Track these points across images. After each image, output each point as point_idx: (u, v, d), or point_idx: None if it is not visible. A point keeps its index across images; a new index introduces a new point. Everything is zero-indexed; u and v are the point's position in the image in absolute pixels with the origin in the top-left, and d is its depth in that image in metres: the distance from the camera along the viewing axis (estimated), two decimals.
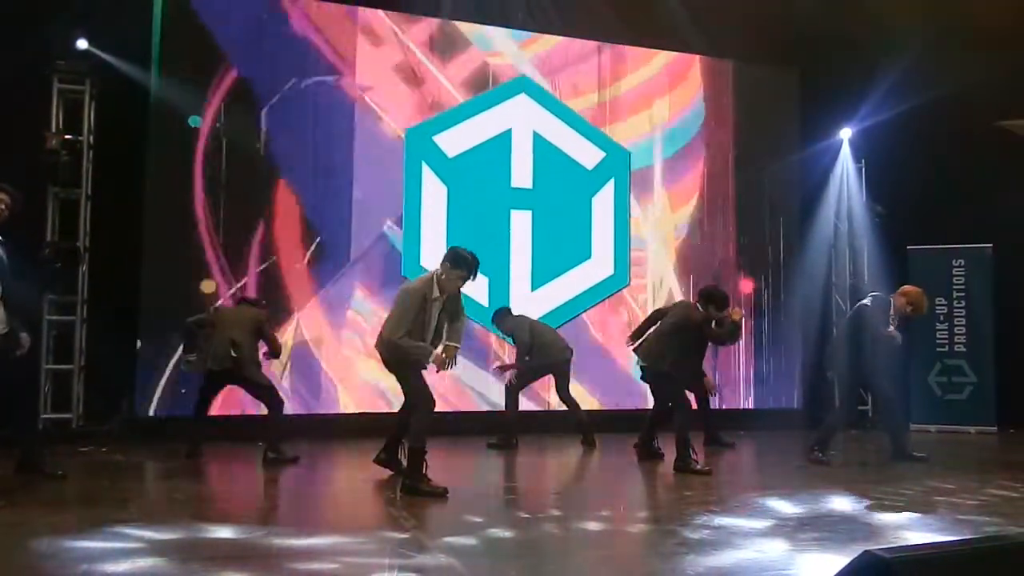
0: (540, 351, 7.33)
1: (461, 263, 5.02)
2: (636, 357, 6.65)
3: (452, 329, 5.16)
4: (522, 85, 8.75)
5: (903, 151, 8.96)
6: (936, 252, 9.18)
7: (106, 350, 7.21)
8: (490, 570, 3.40)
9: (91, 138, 7.42)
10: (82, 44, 7.28)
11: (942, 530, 4.05)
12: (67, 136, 7.26)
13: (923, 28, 8.16)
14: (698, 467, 5.88)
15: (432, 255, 8.24)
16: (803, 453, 6.54)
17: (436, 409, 5.15)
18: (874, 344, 6.41)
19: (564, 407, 7.54)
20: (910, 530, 4.08)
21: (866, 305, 6.60)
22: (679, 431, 5.99)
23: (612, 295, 8.91)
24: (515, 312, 7.67)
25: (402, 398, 5.43)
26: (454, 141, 8.47)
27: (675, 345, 6.19)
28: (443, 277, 5.02)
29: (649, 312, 7.26)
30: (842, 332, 6.93)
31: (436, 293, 5.03)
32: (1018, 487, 5.27)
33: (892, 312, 6.50)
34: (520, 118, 8.71)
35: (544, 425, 7.92)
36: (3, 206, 4.89)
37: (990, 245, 9.00)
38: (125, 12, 7.20)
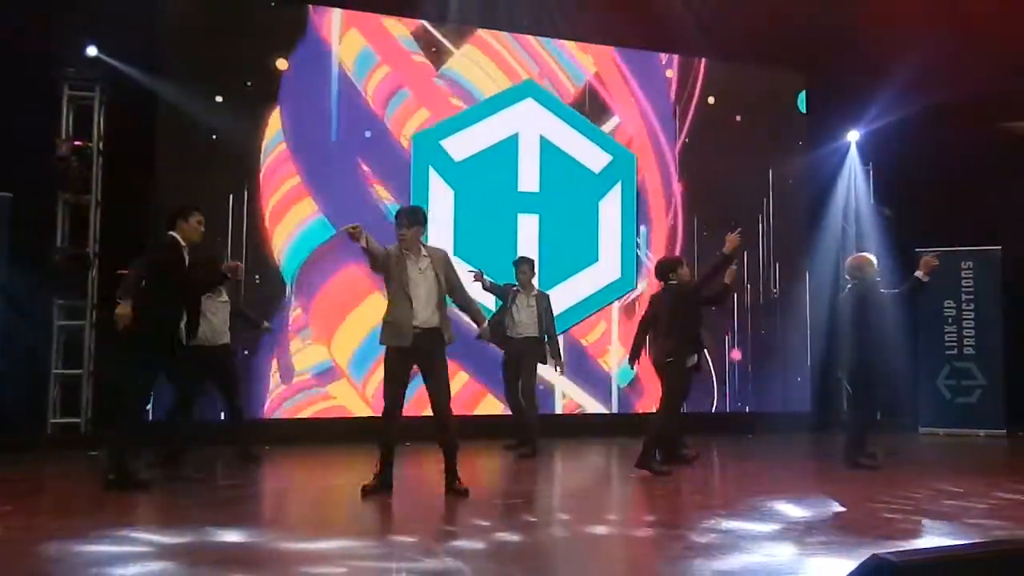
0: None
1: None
2: (654, 358, 6.32)
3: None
4: (529, 89, 8.76)
5: (911, 153, 8.93)
6: (944, 254, 9.10)
7: (114, 354, 7.24)
8: (497, 574, 3.39)
9: (100, 144, 7.47)
10: (91, 51, 7.34)
11: (951, 534, 4.02)
12: (77, 142, 7.31)
13: (930, 30, 8.14)
14: (658, 468, 5.84)
15: None
16: (846, 464, 6.21)
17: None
18: (880, 322, 6.15)
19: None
20: (918, 534, 4.06)
21: (853, 287, 6.29)
22: (656, 426, 5.93)
23: (619, 298, 8.91)
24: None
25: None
26: (461, 145, 8.49)
27: (684, 330, 6.04)
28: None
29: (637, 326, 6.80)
30: (845, 326, 6.41)
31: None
32: None
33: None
34: (527, 122, 8.72)
35: (554, 429, 7.90)
36: (201, 225, 5.26)
37: (999, 247, 8.96)
38: (134, 19, 7.25)
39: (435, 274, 4.94)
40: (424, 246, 5.02)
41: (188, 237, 5.17)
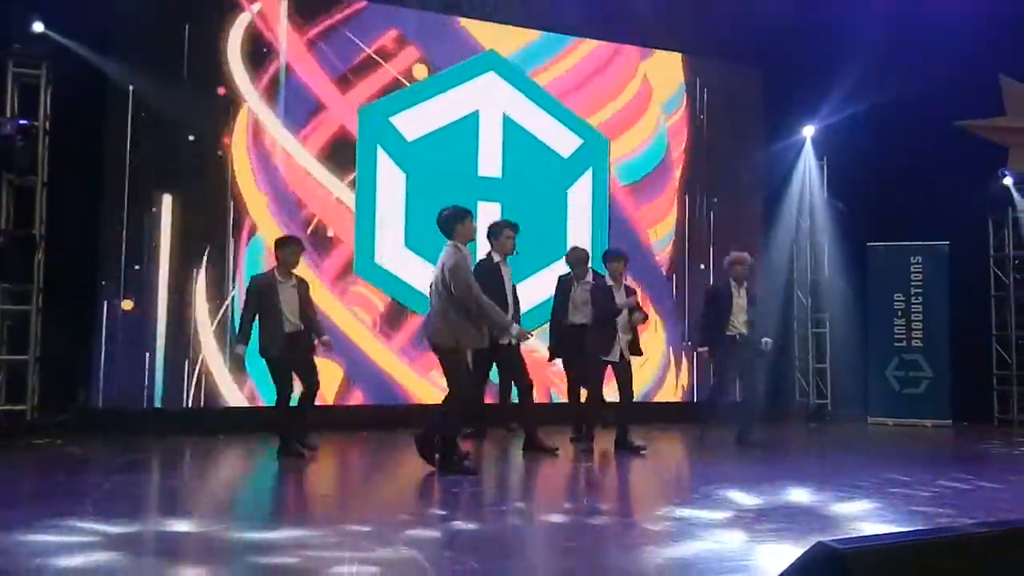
0: None
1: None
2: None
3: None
4: (491, 62, 8.26)
5: (864, 149, 9.11)
6: (895, 249, 9.37)
7: (62, 340, 7.07)
8: (451, 562, 3.38)
9: (47, 124, 7.25)
10: (38, 27, 7.09)
11: (895, 521, 4.12)
12: (22, 121, 7.07)
13: (884, 27, 8.30)
14: (548, 449, 6.23)
15: (388, 251, 7.85)
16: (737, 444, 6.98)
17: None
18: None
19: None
20: (864, 521, 4.15)
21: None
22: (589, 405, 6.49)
23: None
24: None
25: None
26: (414, 123, 7.95)
27: (599, 324, 6.48)
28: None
29: None
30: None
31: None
32: (970, 479, 5.40)
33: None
34: (488, 99, 8.24)
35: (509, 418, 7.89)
36: (511, 240, 6.07)
37: (947, 243, 9.19)
38: None
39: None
40: None
41: (501, 250, 6.09)
